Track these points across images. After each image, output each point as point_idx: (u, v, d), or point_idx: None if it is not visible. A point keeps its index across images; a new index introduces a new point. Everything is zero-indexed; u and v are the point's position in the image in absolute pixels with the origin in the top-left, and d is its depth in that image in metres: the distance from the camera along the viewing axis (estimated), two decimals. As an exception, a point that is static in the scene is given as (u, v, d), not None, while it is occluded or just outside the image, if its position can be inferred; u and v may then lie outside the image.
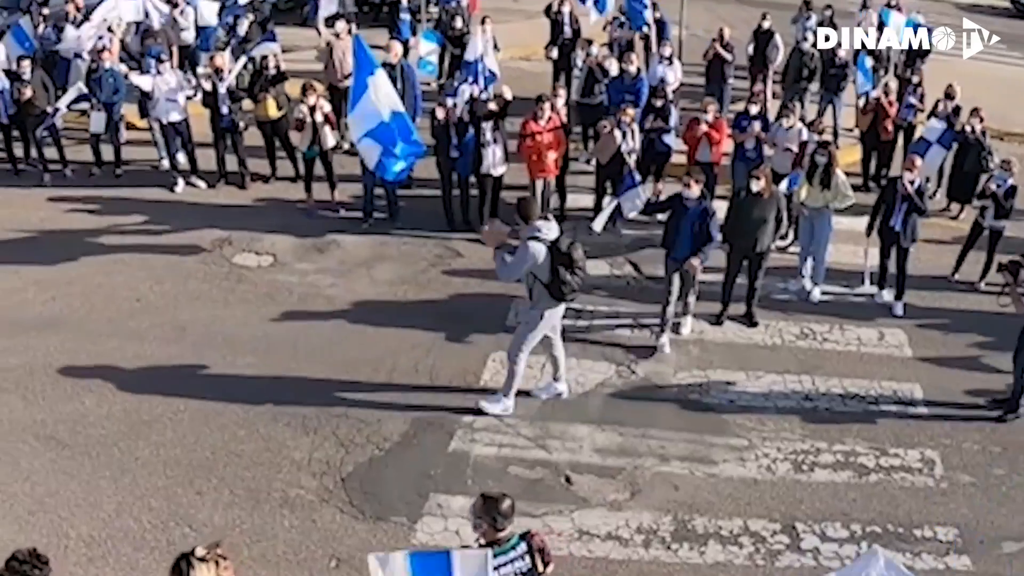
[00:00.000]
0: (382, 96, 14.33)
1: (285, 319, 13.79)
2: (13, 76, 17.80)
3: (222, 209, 17.00)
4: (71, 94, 17.78)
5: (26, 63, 17.85)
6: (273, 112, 17.33)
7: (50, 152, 18.39)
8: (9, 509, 10.61)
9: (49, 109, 17.57)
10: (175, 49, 20.52)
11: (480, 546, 7.09)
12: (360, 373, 12.42)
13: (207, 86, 17.12)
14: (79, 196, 17.75)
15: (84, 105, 18.09)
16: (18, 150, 18.80)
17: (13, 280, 15.00)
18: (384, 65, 17.48)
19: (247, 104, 17.43)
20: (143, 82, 17.26)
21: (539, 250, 11.19)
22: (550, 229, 11.32)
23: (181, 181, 17.75)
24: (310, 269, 15.09)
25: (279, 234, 16.02)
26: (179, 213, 16.91)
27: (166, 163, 18.22)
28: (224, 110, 17.02)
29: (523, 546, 7.11)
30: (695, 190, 12.99)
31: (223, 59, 17.45)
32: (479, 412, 11.82)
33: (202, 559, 6.38)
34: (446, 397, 12.18)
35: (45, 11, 21.79)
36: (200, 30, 21.61)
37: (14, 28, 20.43)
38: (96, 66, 18.11)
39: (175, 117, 17.18)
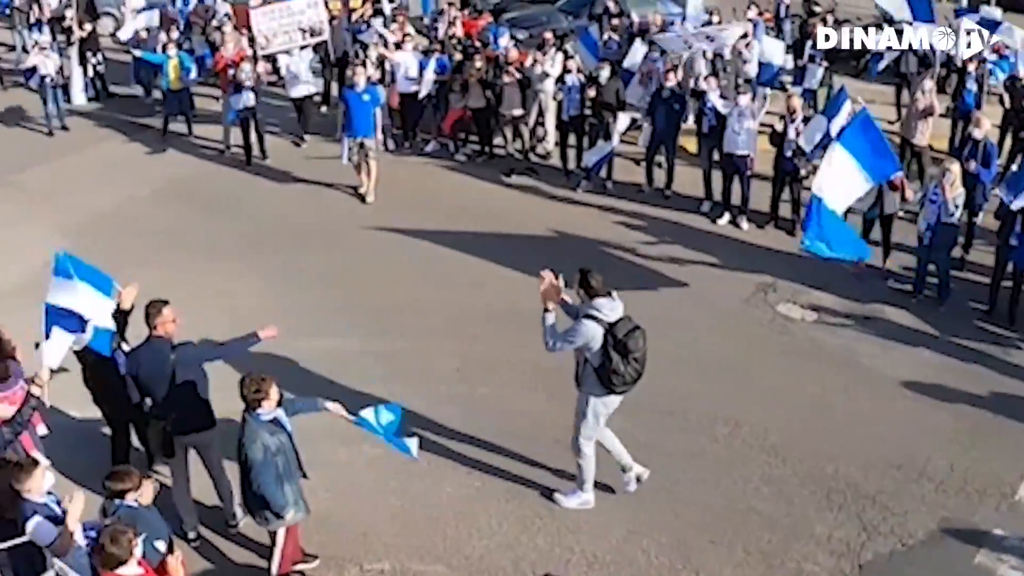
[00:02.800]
0: None
1: (822, 381, 13.48)
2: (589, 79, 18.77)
3: (768, 253, 17.01)
4: (622, 123, 18.49)
5: (605, 66, 18.68)
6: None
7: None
8: (516, 507, 11.21)
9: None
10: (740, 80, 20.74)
11: None
12: (894, 458, 11.91)
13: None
14: (624, 209, 18.59)
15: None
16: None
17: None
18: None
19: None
20: (722, 105, 17.49)
21: (594, 331, 10.27)
22: (612, 310, 10.33)
23: (727, 215, 17.84)
24: (852, 334, 14.68)
25: (824, 291, 15.72)
26: (724, 247, 17.14)
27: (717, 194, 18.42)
28: (788, 153, 16.93)
29: None
30: None
31: (798, 101, 17.34)
32: (986, 532, 10.98)
33: None
34: (977, 504, 11.38)
35: (615, 22, 22.72)
36: (761, 65, 21.72)
37: (584, 35, 21.42)
38: (660, 86, 18.60)
39: (741, 150, 17.24)
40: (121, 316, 10.85)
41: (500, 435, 11.94)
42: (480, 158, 20.97)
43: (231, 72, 21.10)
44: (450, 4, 25.34)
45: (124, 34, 26.25)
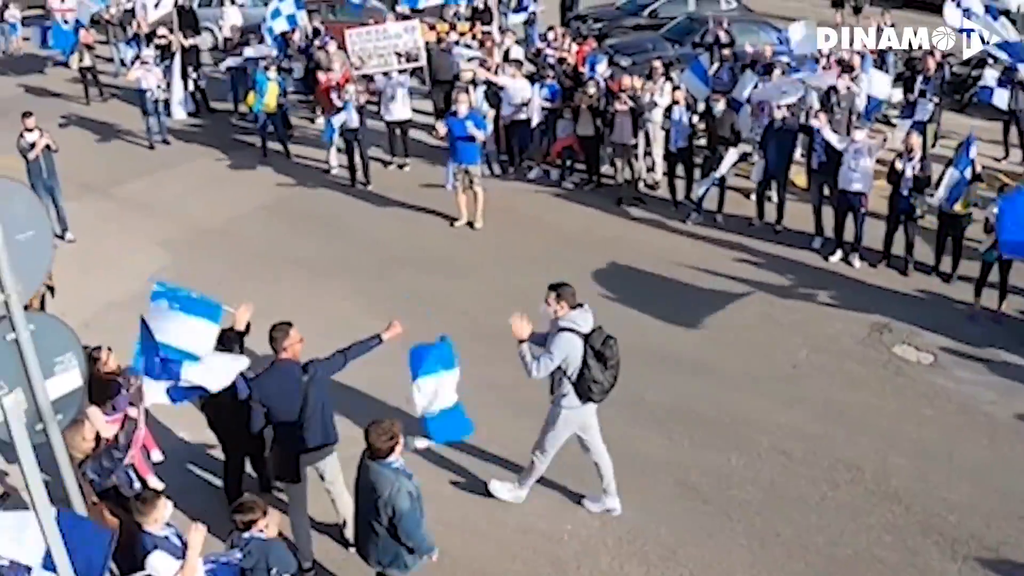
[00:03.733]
0: None
1: (941, 427, 13.37)
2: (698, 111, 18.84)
3: (881, 292, 16.84)
4: (732, 155, 18.57)
5: (720, 98, 18.78)
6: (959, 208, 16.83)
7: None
8: (639, 548, 11.22)
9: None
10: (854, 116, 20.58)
11: None
12: (1018, 508, 11.76)
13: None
14: (734, 243, 18.58)
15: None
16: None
17: (665, 309, 15.89)
18: None
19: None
20: (837, 140, 17.32)
21: (574, 343, 10.68)
22: (586, 320, 10.81)
23: (839, 252, 17.77)
24: (970, 378, 14.51)
25: (940, 334, 15.54)
26: (835, 285, 17.01)
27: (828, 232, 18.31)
28: (904, 191, 16.77)
29: None
30: None
31: (917, 139, 17.16)
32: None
33: None
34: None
35: (725, 52, 22.67)
36: (868, 99, 21.57)
37: (694, 64, 21.39)
38: (772, 119, 18.59)
39: (856, 187, 17.13)
40: (237, 337, 10.93)
41: (621, 474, 11.79)
42: (587, 186, 21.06)
43: (333, 93, 21.38)
44: (562, 33, 25.29)
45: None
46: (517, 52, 23.66)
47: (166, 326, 10.07)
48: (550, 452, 11.32)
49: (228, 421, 11.04)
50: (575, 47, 23.45)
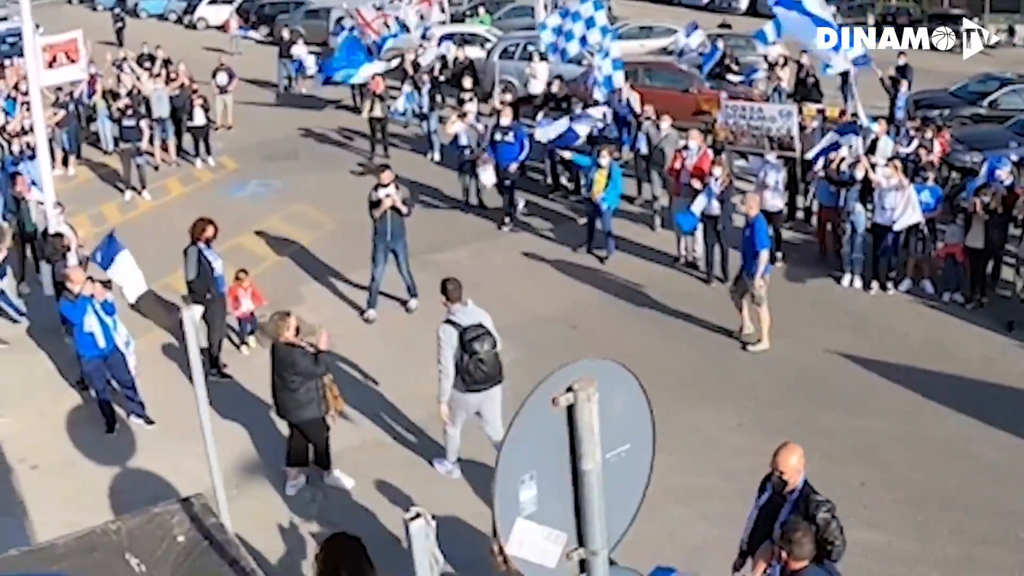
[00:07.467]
0: None
1: None
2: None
3: None
4: None
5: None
6: None
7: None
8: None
9: None
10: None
11: None
12: None
13: None
14: None
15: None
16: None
17: None
18: None
19: None
20: None
21: (450, 333, 12.29)
22: (466, 315, 12.43)
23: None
24: None
25: None
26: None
27: None
28: None
29: None
30: None
31: None
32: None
33: None
34: None
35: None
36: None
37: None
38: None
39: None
40: None
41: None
42: (970, 305, 18.92)
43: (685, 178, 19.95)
44: (917, 126, 23.17)
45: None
46: (887, 146, 21.71)
47: None
48: (452, 427, 13.15)
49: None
50: (937, 145, 21.42)
